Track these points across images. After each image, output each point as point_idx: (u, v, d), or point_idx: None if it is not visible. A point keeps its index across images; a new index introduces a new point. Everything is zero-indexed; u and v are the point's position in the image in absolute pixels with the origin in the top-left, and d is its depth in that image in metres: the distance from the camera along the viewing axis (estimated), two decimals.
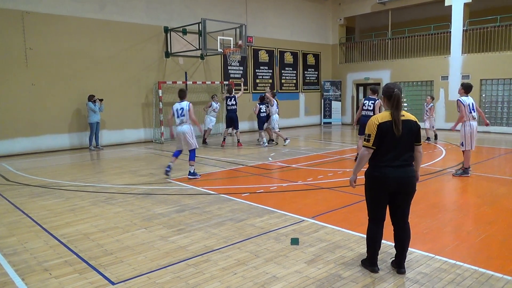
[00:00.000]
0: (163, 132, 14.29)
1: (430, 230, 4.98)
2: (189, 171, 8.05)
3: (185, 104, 8.05)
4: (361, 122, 9.16)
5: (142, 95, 14.34)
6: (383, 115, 3.52)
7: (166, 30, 14.68)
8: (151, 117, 14.62)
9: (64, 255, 4.27)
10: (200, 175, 8.17)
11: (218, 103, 13.76)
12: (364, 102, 9.43)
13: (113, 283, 3.59)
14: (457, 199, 6.74)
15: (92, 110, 12.41)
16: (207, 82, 15.68)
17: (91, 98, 12.47)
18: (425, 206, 6.00)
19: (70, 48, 12.61)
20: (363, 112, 9.31)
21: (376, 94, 9.43)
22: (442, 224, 5.34)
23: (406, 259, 3.87)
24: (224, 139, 12.94)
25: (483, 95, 16.65)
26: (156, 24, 14.52)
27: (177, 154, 8.24)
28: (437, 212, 5.74)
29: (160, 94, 14.02)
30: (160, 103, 14.08)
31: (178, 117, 8.08)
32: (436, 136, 13.79)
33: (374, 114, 9.70)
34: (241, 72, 17.46)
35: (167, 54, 14.82)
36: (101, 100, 12.67)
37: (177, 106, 8.13)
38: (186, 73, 15.34)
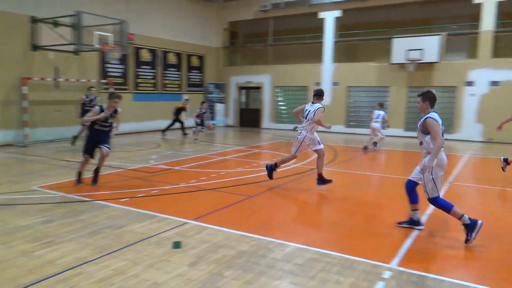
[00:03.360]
0: (28, 134, 12.72)
1: (304, 223, 5.36)
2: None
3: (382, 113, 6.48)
4: None
5: (0, 92, 12.56)
6: None
7: (34, 20, 13.13)
8: (12, 117, 12.88)
9: None
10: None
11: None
12: None
13: None
14: (327, 194, 7.37)
15: None
16: (81, 80, 14.48)
17: None
18: (299, 202, 6.44)
19: None
20: None
21: None
22: (315, 217, 5.80)
23: (283, 252, 4.09)
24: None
25: (350, 101, 18.64)
26: (21, 12, 12.87)
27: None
28: (310, 207, 6.23)
29: (25, 91, 12.47)
30: (25, 102, 12.52)
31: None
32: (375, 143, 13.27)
33: None
34: (122, 71, 16.57)
35: (35, 47, 13.26)
36: None
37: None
38: (57, 68, 13.93)
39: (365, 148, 12.88)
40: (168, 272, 3.76)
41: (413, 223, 5.11)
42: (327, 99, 18.87)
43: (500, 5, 15.26)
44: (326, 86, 18.90)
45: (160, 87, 18.63)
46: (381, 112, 12.85)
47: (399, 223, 5.22)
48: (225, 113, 21.66)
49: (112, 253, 4.20)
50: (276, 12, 19.81)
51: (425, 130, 4.69)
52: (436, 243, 4.71)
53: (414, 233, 4.94)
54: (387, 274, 3.76)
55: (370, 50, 18.97)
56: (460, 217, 4.63)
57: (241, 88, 21.79)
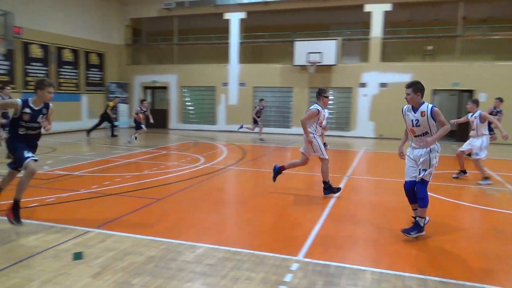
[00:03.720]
0: None
1: (215, 223, 5.35)
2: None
3: None
4: None
5: None
6: None
7: None
8: None
9: None
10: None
11: None
12: None
13: None
14: (237, 192, 7.49)
15: None
16: None
17: None
18: (210, 202, 6.41)
19: None
20: None
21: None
22: (226, 216, 5.83)
23: (194, 254, 4.03)
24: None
25: (257, 101, 19.10)
26: None
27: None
28: (221, 206, 6.24)
29: None
30: None
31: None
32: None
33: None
34: (7, 67, 14.85)
35: None
36: None
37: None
38: None
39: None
40: (68, 286, 3.45)
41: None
42: (233, 99, 19.15)
43: (386, 14, 16.95)
44: (233, 87, 19.16)
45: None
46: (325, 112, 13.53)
47: (406, 232, 4.72)
48: (129, 114, 20.67)
49: (0, 271, 3.72)
50: (181, 11, 19.51)
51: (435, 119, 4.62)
52: (338, 233, 5.05)
53: (318, 226, 5.23)
54: (294, 266, 3.93)
55: (274, 52, 19.68)
56: (423, 216, 4.75)
57: (146, 88, 21.04)
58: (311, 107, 6.80)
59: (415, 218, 4.93)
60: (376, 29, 17.06)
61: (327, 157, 6.78)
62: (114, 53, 20.58)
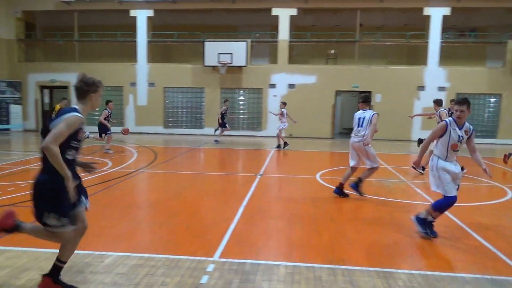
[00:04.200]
0: None
1: (126, 230, 5.08)
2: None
3: None
4: None
5: None
6: None
7: None
8: None
9: None
10: None
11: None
12: None
13: None
14: (148, 196, 7.22)
15: None
16: None
17: None
18: (119, 208, 6.08)
19: None
20: None
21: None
22: (137, 222, 5.57)
23: (103, 264, 3.78)
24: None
25: (167, 101, 18.66)
26: None
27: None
28: (132, 212, 5.95)
29: None
30: None
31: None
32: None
33: None
34: None
35: None
36: None
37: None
38: None
39: (286, 144, 13.73)
40: None
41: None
42: (142, 100, 18.48)
43: (292, 19, 17.72)
44: (142, 87, 18.48)
45: None
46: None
47: (433, 235, 4.93)
48: (23, 116, 18.76)
49: None
50: (82, 5, 18.25)
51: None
52: (252, 231, 5.13)
53: (233, 225, 5.27)
54: (210, 267, 3.89)
55: (184, 51, 19.40)
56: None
57: (43, 87, 19.26)
58: (372, 112, 6.66)
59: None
60: (283, 32, 17.75)
61: (377, 165, 6.87)
62: (3, 49, 18.48)
